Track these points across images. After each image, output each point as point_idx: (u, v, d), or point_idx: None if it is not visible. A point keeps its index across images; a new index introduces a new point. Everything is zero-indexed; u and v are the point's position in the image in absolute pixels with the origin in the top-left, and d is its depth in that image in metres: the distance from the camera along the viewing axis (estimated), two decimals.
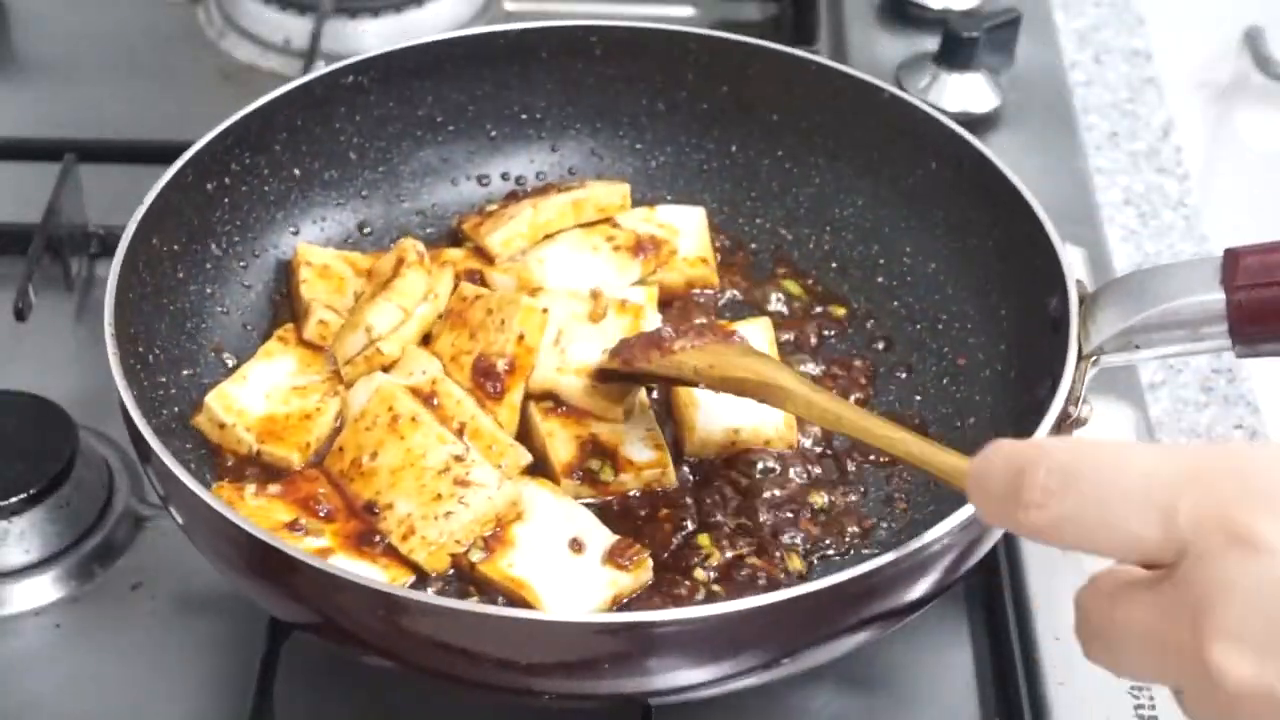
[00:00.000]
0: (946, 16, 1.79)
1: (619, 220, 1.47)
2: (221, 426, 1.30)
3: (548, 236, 1.45)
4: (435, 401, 1.29)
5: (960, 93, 1.73)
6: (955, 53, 1.73)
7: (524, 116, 1.54)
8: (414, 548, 1.21)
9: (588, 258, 1.43)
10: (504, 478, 1.24)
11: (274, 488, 1.26)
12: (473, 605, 1.08)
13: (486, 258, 1.44)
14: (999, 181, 1.33)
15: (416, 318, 1.35)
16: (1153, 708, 1.23)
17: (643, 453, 1.30)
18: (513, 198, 1.50)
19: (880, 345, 1.42)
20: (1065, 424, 1.19)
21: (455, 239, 1.50)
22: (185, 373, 1.34)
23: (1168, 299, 1.18)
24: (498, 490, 1.23)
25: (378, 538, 1.22)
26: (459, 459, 1.24)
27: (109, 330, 1.21)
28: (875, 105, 1.44)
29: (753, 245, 1.51)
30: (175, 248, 1.35)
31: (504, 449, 1.28)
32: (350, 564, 1.20)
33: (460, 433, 1.27)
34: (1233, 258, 1.17)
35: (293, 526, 1.22)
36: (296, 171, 1.46)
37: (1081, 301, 1.22)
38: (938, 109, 1.42)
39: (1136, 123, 1.82)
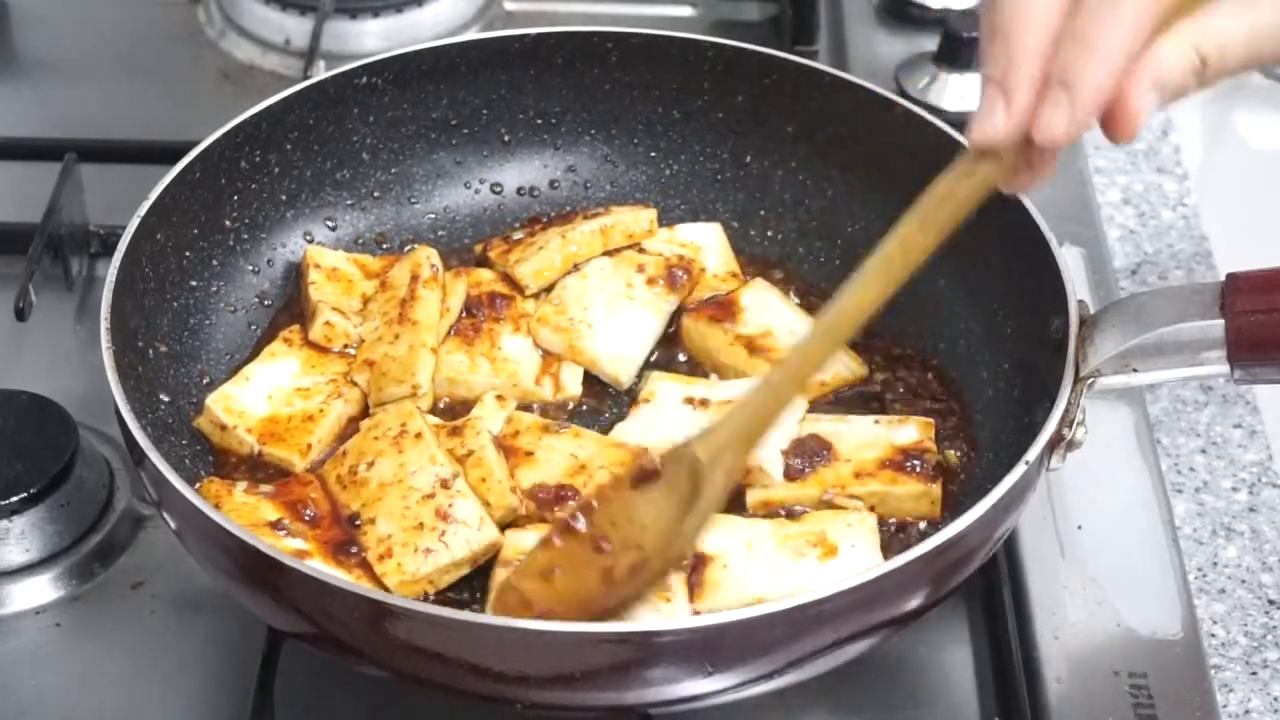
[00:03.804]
0: (946, 16, 1.79)
1: (645, 244, 1.47)
2: (223, 428, 1.30)
3: (576, 266, 1.44)
4: (461, 430, 1.30)
5: (960, 93, 1.73)
6: (955, 52, 1.73)
7: (538, 121, 1.54)
8: (388, 571, 1.20)
9: (623, 301, 1.42)
10: (486, 518, 1.23)
11: (266, 488, 1.26)
12: (469, 616, 1.08)
13: (515, 284, 1.44)
14: (1009, 200, 1.32)
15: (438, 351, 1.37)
16: (1152, 707, 1.23)
17: None
18: (535, 223, 1.50)
19: (880, 360, 1.42)
20: (1059, 445, 1.20)
21: (471, 252, 1.49)
22: (187, 369, 1.35)
23: (1167, 323, 1.18)
24: (478, 532, 1.22)
25: (354, 549, 1.22)
26: (445, 485, 1.23)
27: (105, 326, 1.21)
28: (889, 119, 1.43)
29: (763, 258, 1.50)
30: (180, 244, 1.36)
31: (494, 488, 1.26)
32: (325, 570, 1.19)
33: (464, 460, 1.27)
34: (1234, 282, 1.17)
35: (276, 525, 1.22)
36: (308, 171, 1.46)
37: (1082, 323, 1.22)
38: (947, 122, 1.41)
39: None
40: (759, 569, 1.21)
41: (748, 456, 1.20)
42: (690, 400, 1.35)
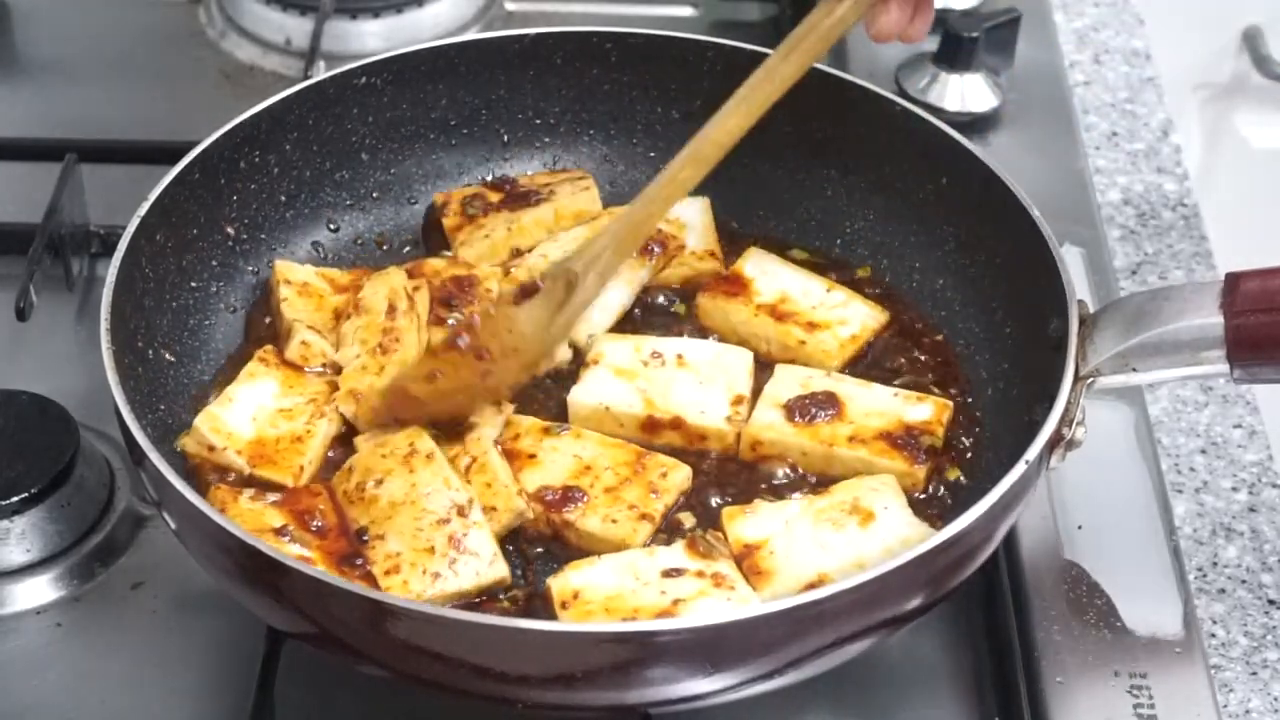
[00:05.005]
0: (946, 16, 1.79)
1: None
2: (210, 449, 1.29)
3: (519, 252, 1.45)
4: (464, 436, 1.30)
5: (960, 93, 1.73)
6: (955, 53, 1.73)
7: (537, 121, 1.54)
8: (393, 586, 1.20)
9: None
10: (498, 553, 1.23)
11: (273, 495, 1.26)
12: (469, 616, 1.08)
13: (467, 264, 1.44)
14: (1009, 200, 1.33)
15: None
16: (1152, 707, 1.23)
17: None
18: (497, 189, 1.49)
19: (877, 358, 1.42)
20: (1059, 445, 1.20)
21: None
22: (187, 369, 1.35)
23: (1166, 322, 1.19)
24: (489, 566, 1.22)
25: (359, 560, 1.22)
26: (461, 512, 1.23)
27: (105, 326, 1.21)
28: (888, 119, 1.44)
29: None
30: (180, 244, 1.36)
31: (500, 492, 1.26)
32: (328, 578, 1.19)
33: (469, 469, 1.27)
34: (1233, 282, 1.17)
35: (279, 532, 1.22)
36: (307, 172, 1.46)
37: (1082, 323, 1.23)
38: (947, 122, 1.41)
39: (1135, 122, 1.83)
40: (807, 547, 1.22)
41: (620, 261, 1.33)
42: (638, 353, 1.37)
